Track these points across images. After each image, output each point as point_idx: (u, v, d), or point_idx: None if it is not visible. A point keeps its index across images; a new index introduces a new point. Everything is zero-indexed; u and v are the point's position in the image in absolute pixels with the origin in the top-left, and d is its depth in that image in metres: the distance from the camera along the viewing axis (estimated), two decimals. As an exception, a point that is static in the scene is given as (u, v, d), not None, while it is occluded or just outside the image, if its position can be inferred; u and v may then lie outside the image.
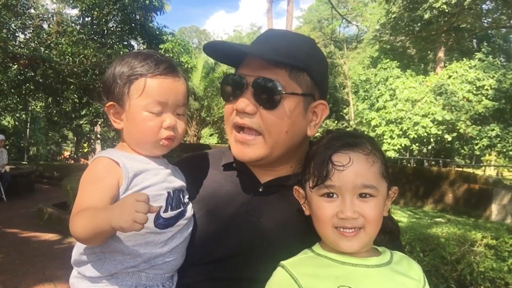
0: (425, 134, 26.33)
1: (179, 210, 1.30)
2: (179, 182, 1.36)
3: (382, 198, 1.13)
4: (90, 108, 18.83)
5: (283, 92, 1.27)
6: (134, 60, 1.29)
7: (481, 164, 28.82)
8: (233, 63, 1.39)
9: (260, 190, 1.38)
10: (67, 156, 35.77)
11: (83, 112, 21.65)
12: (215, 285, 1.26)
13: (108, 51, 16.42)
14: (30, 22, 18.39)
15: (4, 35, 16.69)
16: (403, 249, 1.34)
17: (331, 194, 1.10)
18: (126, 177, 1.22)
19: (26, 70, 17.21)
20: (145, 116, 1.26)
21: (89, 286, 1.26)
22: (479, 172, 23.19)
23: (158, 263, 1.26)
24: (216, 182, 1.45)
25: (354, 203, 1.08)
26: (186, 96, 1.35)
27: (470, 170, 23.26)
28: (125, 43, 19.04)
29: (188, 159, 1.59)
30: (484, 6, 27.88)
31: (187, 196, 1.38)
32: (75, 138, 35.43)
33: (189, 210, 1.35)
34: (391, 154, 27.51)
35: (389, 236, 1.23)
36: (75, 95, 18.83)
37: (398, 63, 30.78)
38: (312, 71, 1.34)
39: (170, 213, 1.27)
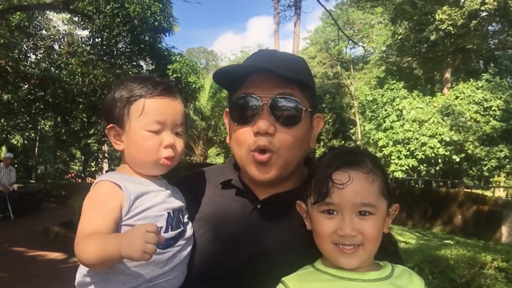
0: (433, 154, 26.16)
1: (179, 230, 1.33)
2: (178, 203, 1.38)
3: (382, 216, 1.15)
4: (98, 128, 19.01)
5: (303, 109, 1.32)
6: (133, 83, 1.34)
7: (490, 185, 28.48)
8: (234, 88, 1.39)
9: (259, 206, 1.39)
10: (73, 175, 35.90)
11: (91, 131, 21.84)
12: None
13: (118, 71, 16.65)
14: (41, 43, 18.78)
15: (16, 55, 17.03)
16: (402, 262, 1.34)
17: (331, 211, 1.13)
18: (128, 199, 1.25)
19: (36, 89, 17.46)
20: (144, 135, 1.30)
21: None
22: (488, 193, 22.89)
23: (160, 281, 1.28)
24: (215, 200, 1.47)
25: (353, 220, 1.11)
26: (184, 116, 1.39)
27: (479, 191, 23.03)
28: (134, 63, 19.30)
29: (187, 178, 1.60)
30: (490, 27, 28.04)
31: (186, 216, 1.40)
32: (83, 157, 35.65)
33: (189, 230, 1.37)
34: (399, 174, 27.32)
35: (385, 251, 1.24)
36: (84, 115, 19.02)
37: (405, 84, 30.82)
38: (312, 86, 1.41)
39: (171, 233, 1.29)
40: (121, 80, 1.41)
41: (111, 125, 1.35)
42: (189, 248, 1.36)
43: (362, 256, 1.12)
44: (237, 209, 1.41)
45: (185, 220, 1.38)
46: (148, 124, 1.29)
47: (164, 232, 1.27)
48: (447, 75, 31.91)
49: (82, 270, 1.29)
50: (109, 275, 1.24)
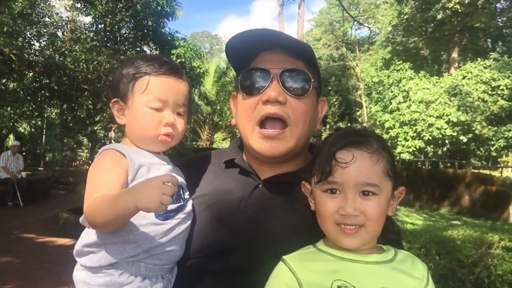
0: (440, 135, 25.98)
1: (179, 204, 1.35)
2: (179, 178, 1.39)
3: (385, 197, 1.15)
4: (104, 114, 19.08)
5: (312, 80, 1.36)
6: (140, 61, 1.39)
7: (498, 165, 28.31)
8: (244, 64, 1.42)
9: (260, 185, 1.41)
10: (81, 162, 36.15)
11: (97, 118, 21.94)
12: (214, 277, 1.29)
13: (121, 57, 16.58)
14: (44, 30, 18.73)
15: (20, 43, 17.00)
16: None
17: (334, 190, 1.13)
18: (132, 168, 1.29)
19: (41, 77, 17.50)
20: (145, 111, 1.34)
21: (90, 277, 1.29)
22: (496, 173, 22.78)
23: (157, 253, 1.29)
24: (217, 179, 1.49)
25: (356, 200, 1.10)
26: (187, 98, 1.43)
27: (487, 171, 22.90)
28: (138, 49, 19.23)
29: (190, 160, 1.64)
30: (498, 5, 27.53)
31: (187, 193, 1.42)
32: (90, 144, 35.83)
33: (189, 205, 1.40)
34: (406, 156, 27.21)
35: (386, 238, 1.23)
36: (89, 102, 19.08)
37: (411, 65, 30.48)
38: (318, 70, 1.44)
39: (171, 206, 1.31)
40: (130, 58, 1.46)
41: (115, 99, 1.40)
42: (188, 223, 1.38)
43: (363, 236, 1.11)
44: (238, 187, 1.43)
45: (186, 196, 1.41)
46: (150, 101, 1.34)
47: None
48: (454, 54, 31.51)
49: (80, 240, 1.32)
50: (107, 244, 1.26)
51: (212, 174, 1.52)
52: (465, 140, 26.09)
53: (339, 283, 1.06)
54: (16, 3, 17.03)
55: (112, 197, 1.15)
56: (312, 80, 1.37)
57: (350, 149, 1.13)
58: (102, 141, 33.95)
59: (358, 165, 1.10)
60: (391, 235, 1.24)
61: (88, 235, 1.29)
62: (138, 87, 1.35)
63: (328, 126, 33.79)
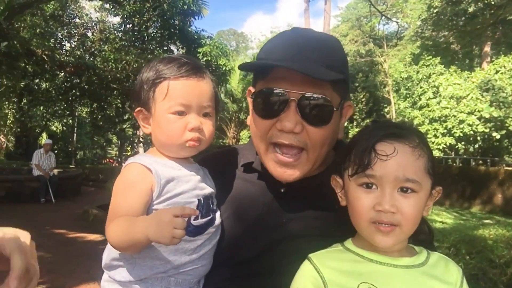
0: (471, 132, 25.29)
1: (209, 217, 1.31)
2: (209, 189, 1.36)
3: (424, 196, 1.07)
4: (133, 113, 19.41)
5: (335, 109, 1.25)
6: (159, 65, 1.31)
7: (533, 162, 27.37)
8: (261, 74, 1.32)
9: (282, 191, 1.36)
10: (113, 161, 36.91)
11: (126, 117, 22.36)
12: (242, 282, 1.27)
13: (149, 56, 16.87)
14: (75, 31, 19.25)
15: (52, 44, 17.52)
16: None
17: (370, 185, 1.05)
18: (158, 183, 1.23)
19: (72, 77, 17.96)
20: (169, 118, 1.27)
21: None
22: (531, 171, 22.01)
23: (187, 269, 1.27)
24: (238, 183, 1.44)
25: (394, 196, 1.03)
26: (212, 97, 1.34)
27: (521, 169, 22.15)
28: (165, 48, 19.50)
29: (210, 159, 1.57)
30: (533, -4, 26.49)
31: (215, 203, 1.38)
32: (119, 142, 36.59)
33: (218, 218, 1.35)
34: (436, 153, 26.59)
35: (418, 240, 1.17)
36: (118, 100, 19.49)
37: (441, 60, 29.75)
38: (346, 78, 1.31)
39: (200, 221, 1.27)
40: (149, 62, 1.39)
41: (139, 108, 1.34)
42: (217, 237, 1.35)
43: (398, 236, 1.04)
44: (259, 192, 1.38)
45: (215, 207, 1.36)
46: (173, 107, 1.26)
47: (194, 220, 1.25)
48: (487, 48, 30.55)
49: (109, 253, 1.30)
50: (137, 259, 1.24)
51: (232, 177, 1.47)
52: (498, 136, 25.29)
53: (366, 286, 1.01)
54: (48, 5, 17.53)
55: (128, 225, 1.13)
56: (335, 108, 1.24)
57: (391, 141, 1.05)
58: (131, 139, 34.60)
59: (399, 159, 1.02)
60: (422, 236, 1.17)
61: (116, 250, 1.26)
62: (159, 94, 1.28)
63: (355, 123, 33.39)
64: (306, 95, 1.21)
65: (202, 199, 1.30)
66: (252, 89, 1.37)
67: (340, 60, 1.31)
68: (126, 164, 1.29)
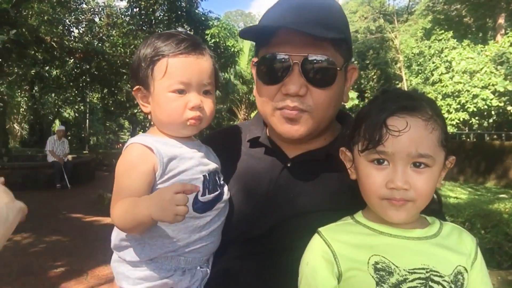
0: (486, 106, 24.88)
1: (217, 192, 1.29)
2: (213, 165, 1.34)
3: (438, 169, 1.04)
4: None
5: (338, 69, 1.23)
6: (157, 41, 1.27)
7: (549, 136, 26.93)
8: (263, 42, 1.30)
9: (289, 165, 1.34)
10: (123, 145, 37.27)
11: (136, 101, 22.41)
12: (253, 259, 1.26)
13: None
14: (82, 17, 19.18)
15: (60, 31, 17.51)
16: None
17: (381, 161, 1.02)
18: (161, 162, 1.21)
19: (82, 63, 17.97)
20: (169, 97, 1.25)
21: (129, 270, 1.28)
22: (547, 144, 21.66)
23: (197, 247, 1.27)
24: (244, 159, 1.43)
25: (407, 172, 1.00)
26: (212, 74, 1.31)
27: (537, 142, 21.82)
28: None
29: (214, 136, 1.57)
30: (549, -36, 25.67)
31: (222, 178, 1.36)
32: (131, 126, 36.85)
33: (226, 192, 1.34)
34: (449, 129, 26.28)
35: (429, 210, 1.13)
36: (128, 85, 19.47)
37: (454, 34, 29.14)
38: (348, 39, 1.30)
39: (208, 197, 1.26)
40: (147, 38, 1.35)
41: (137, 87, 1.31)
42: (226, 212, 1.34)
43: (411, 211, 1.02)
44: (266, 168, 1.37)
45: (221, 182, 1.34)
46: (172, 85, 1.24)
47: (201, 196, 1.24)
48: (501, 20, 29.79)
49: (118, 233, 1.30)
50: (146, 239, 1.24)
51: (238, 153, 1.46)
52: (513, 110, 24.89)
53: (377, 258, 1.00)
54: (55, -8, 17.47)
55: (131, 206, 1.13)
56: (338, 68, 1.24)
57: (403, 115, 1.00)
58: (143, 123, 34.81)
59: (412, 134, 0.98)
60: (433, 205, 1.13)
61: None
62: (158, 72, 1.24)
63: (366, 101, 33.11)
64: (309, 57, 1.20)
65: (207, 174, 1.29)
66: (255, 59, 1.35)
67: (340, 21, 1.30)
68: (127, 145, 1.27)
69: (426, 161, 1.00)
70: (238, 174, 1.41)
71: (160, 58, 1.25)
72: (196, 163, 1.29)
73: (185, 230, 1.24)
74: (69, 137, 21.59)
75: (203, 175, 1.28)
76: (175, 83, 1.24)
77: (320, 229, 1.10)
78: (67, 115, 32.80)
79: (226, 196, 1.33)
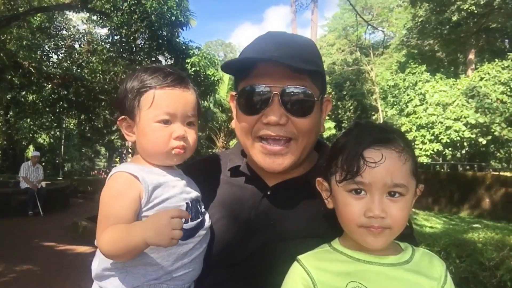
0: (458, 138, 25.61)
1: (199, 220, 1.32)
2: (195, 193, 1.38)
3: (411, 197, 1.11)
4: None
5: (315, 99, 1.29)
6: (144, 74, 1.33)
7: (519, 167, 27.74)
8: (243, 75, 1.35)
9: (269, 193, 1.38)
10: (102, 173, 36.56)
11: (114, 128, 22.24)
12: (234, 284, 1.27)
13: (137, 67, 16.75)
14: (62, 43, 19.15)
15: (39, 56, 17.40)
16: (417, 244, 1.30)
17: (359, 191, 1.08)
18: (146, 190, 1.24)
19: (60, 89, 17.84)
20: (154, 127, 1.29)
21: None
22: (517, 175, 22.30)
23: (179, 274, 1.28)
24: (224, 188, 1.46)
25: (383, 202, 1.06)
26: (196, 106, 1.37)
27: (508, 173, 22.46)
28: (153, 59, 19.45)
29: (195, 165, 1.60)
30: (514, 4, 27.08)
31: (203, 206, 1.39)
32: (107, 153, 36.33)
33: (207, 220, 1.37)
34: (423, 159, 26.85)
35: (401, 235, 1.19)
36: (106, 112, 19.37)
37: (427, 67, 30.17)
38: (323, 72, 1.38)
39: (191, 224, 1.29)
40: (133, 71, 1.40)
41: (123, 116, 1.35)
42: (208, 239, 1.36)
43: (388, 237, 1.08)
44: (247, 196, 1.40)
45: (203, 210, 1.38)
46: (158, 116, 1.28)
47: (185, 223, 1.25)
48: (471, 56, 31.07)
49: (99, 263, 1.30)
50: (128, 268, 1.24)
51: (218, 182, 1.49)
52: (484, 142, 25.65)
53: (354, 285, 1.04)
54: (35, 18, 17.44)
55: (124, 232, 1.14)
56: (316, 98, 1.30)
57: (378, 147, 1.07)
58: (119, 150, 34.39)
59: (387, 165, 1.05)
60: (405, 230, 1.19)
61: (107, 259, 1.26)
62: (144, 102, 1.29)
63: (343, 131, 33.58)
64: (288, 88, 1.26)
65: (190, 202, 1.32)
66: (234, 93, 1.41)
67: (316, 56, 1.38)
68: (111, 174, 1.30)
69: (401, 190, 1.07)
70: (220, 202, 1.44)
71: (147, 90, 1.30)
72: (179, 191, 1.32)
73: (168, 257, 1.25)
74: (43, 163, 21.12)
75: (186, 203, 1.31)
76: (161, 113, 1.29)
77: (299, 257, 1.13)
78: (41, 141, 32.15)
79: (207, 223, 1.36)
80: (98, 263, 1.30)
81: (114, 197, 1.24)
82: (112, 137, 28.00)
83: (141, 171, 1.28)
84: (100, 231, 1.19)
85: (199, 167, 1.57)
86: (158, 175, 1.31)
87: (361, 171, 1.05)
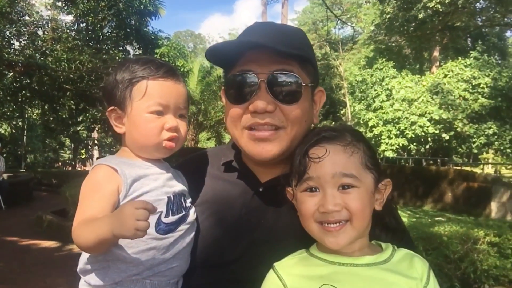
0: (423, 133, 26.39)
1: (181, 214, 1.30)
2: (180, 186, 1.35)
3: (366, 190, 1.09)
4: (87, 114, 18.77)
5: (303, 85, 1.26)
6: (135, 65, 1.31)
7: (479, 162, 28.86)
8: (230, 65, 1.33)
9: (260, 190, 1.36)
10: (67, 166, 35.60)
11: (80, 119, 21.64)
12: (222, 286, 1.26)
13: (104, 56, 16.40)
14: (25, 29, 18.37)
15: (-1, 43, 16.67)
16: (413, 246, 1.31)
17: (313, 189, 1.09)
18: (125, 183, 1.23)
19: (22, 77, 17.19)
20: (146, 117, 1.27)
21: None
22: (477, 170, 23.21)
23: (162, 270, 1.26)
24: (217, 184, 1.44)
25: (335, 195, 1.06)
26: (187, 99, 1.36)
27: (468, 168, 23.32)
28: (121, 48, 19.05)
29: (189, 161, 1.58)
30: (477, 4, 28.01)
31: (189, 200, 1.37)
32: (73, 145, 35.35)
33: (191, 215, 1.34)
34: (389, 154, 27.54)
35: (391, 234, 1.21)
36: (72, 102, 18.78)
37: (394, 64, 30.87)
38: (313, 60, 1.35)
39: (172, 218, 1.26)
40: (123, 61, 1.38)
41: (112, 107, 1.32)
42: (192, 234, 1.33)
43: (350, 233, 1.06)
44: (238, 193, 1.38)
45: (188, 204, 1.35)
46: (151, 106, 1.27)
47: (165, 217, 1.25)
48: (436, 53, 32.01)
49: (83, 258, 1.28)
50: (110, 262, 1.22)
51: (211, 178, 1.46)
52: (447, 137, 26.57)
53: (326, 287, 1.03)
54: (-5, 2, 16.68)
55: (93, 223, 1.12)
56: (304, 84, 1.26)
57: (322, 144, 1.10)
58: (85, 141, 33.54)
59: (332, 158, 1.07)
60: (396, 226, 1.21)
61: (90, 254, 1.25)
62: (137, 93, 1.27)
63: (312, 126, 33.98)
64: (275, 73, 1.23)
65: (172, 196, 1.29)
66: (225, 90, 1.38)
67: (305, 44, 1.35)
68: (93, 166, 1.29)
69: (351, 181, 1.07)
70: (210, 198, 1.41)
71: (140, 80, 1.28)
72: (161, 184, 1.30)
73: (148, 252, 1.23)
74: (5, 155, 20.31)
75: (168, 197, 1.28)
76: (154, 104, 1.27)
77: (275, 264, 1.14)
78: (3, 131, 30.96)
79: (191, 218, 1.33)
80: (82, 257, 1.28)
81: (93, 190, 1.22)
82: (78, 128, 27.23)
83: (122, 164, 1.26)
84: (75, 224, 1.18)
85: (190, 163, 1.54)
86: (141, 167, 1.29)
87: (307, 168, 1.08)
